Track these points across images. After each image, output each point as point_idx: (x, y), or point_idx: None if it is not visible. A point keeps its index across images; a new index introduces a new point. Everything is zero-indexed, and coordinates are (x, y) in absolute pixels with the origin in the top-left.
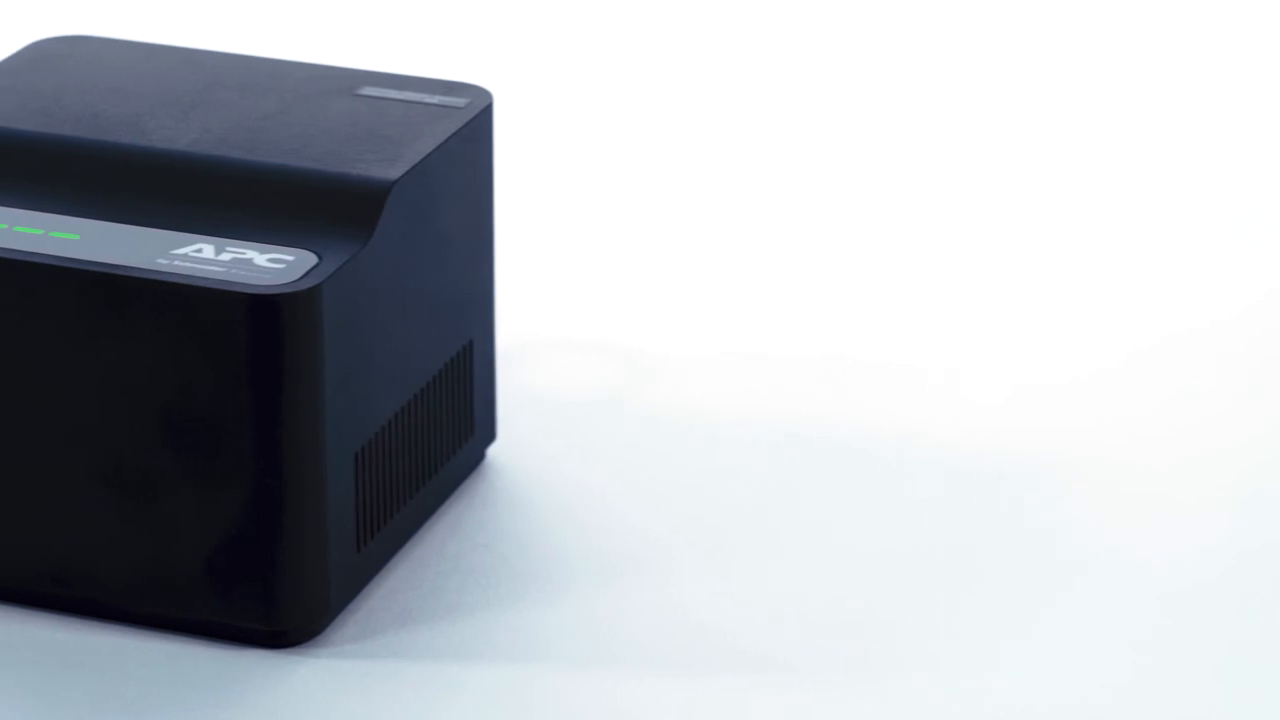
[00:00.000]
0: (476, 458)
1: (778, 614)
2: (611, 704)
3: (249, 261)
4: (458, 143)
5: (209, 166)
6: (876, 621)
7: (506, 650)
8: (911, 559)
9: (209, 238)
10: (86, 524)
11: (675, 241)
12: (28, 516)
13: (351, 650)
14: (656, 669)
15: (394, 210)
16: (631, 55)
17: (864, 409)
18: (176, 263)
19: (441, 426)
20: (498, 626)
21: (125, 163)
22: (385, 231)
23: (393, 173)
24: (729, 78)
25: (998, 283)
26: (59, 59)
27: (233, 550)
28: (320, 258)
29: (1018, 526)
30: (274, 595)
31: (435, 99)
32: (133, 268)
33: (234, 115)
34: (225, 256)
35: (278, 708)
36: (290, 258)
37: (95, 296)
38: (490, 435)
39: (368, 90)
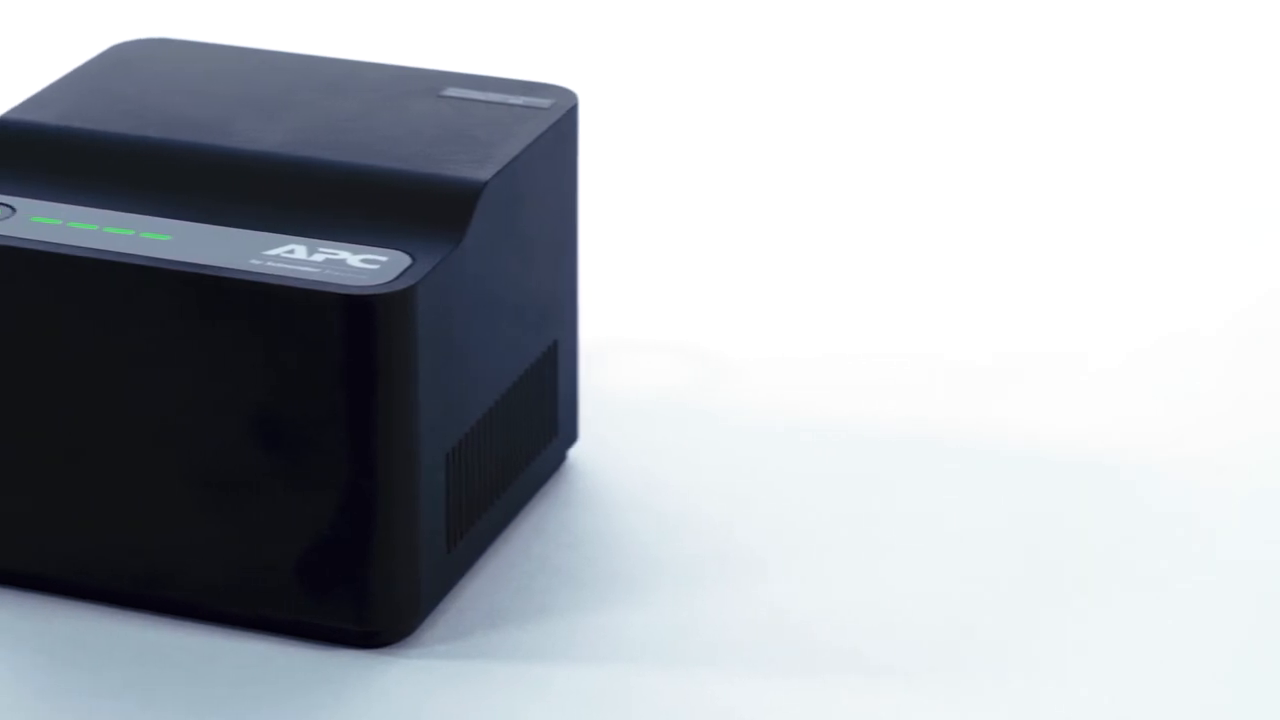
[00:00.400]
0: (558, 459)
1: (863, 614)
2: (701, 704)
3: (342, 262)
4: (545, 143)
5: (298, 168)
6: (967, 622)
7: (596, 650)
8: (999, 558)
9: (301, 238)
10: (179, 525)
11: (752, 241)
12: (121, 518)
13: (442, 650)
14: (746, 669)
15: (485, 211)
16: (702, 57)
17: (942, 406)
18: (270, 263)
19: (527, 427)
20: (586, 627)
21: (214, 164)
22: (476, 232)
23: (484, 173)
24: (801, 79)
25: (1084, 276)
26: (140, 62)
27: (325, 551)
28: (413, 258)
29: (1114, 527)
30: (366, 596)
31: (520, 100)
32: (227, 268)
33: (319, 116)
34: (318, 257)
35: (370, 708)
36: (383, 258)
37: (189, 297)
38: (572, 436)
39: (451, 91)
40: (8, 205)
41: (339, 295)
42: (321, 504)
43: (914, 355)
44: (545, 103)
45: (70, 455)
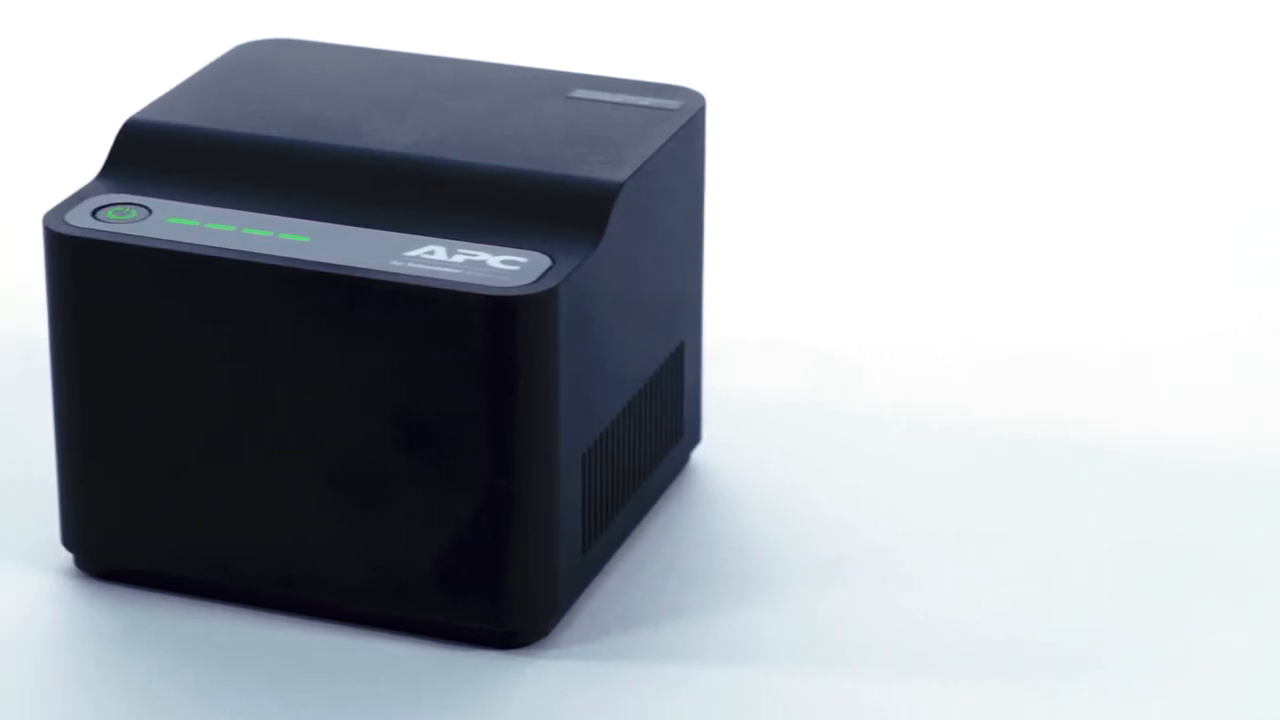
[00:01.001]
0: (683, 460)
1: (994, 614)
2: (835, 705)
3: (482, 263)
4: (676, 145)
5: (433, 169)
6: (1101, 625)
7: (731, 651)
8: (1133, 559)
9: (440, 240)
10: (318, 526)
11: (872, 240)
12: (260, 519)
13: (578, 651)
14: (879, 670)
15: (621, 212)
16: (824, 57)
17: (1071, 404)
18: (411, 265)
19: (656, 428)
20: (720, 627)
21: (348, 165)
22: (613, 233)
23: (620, 175)
24: (919, 80)
25: (1227, 267)
26: (264, 63)
27: (463, 552)
28: (553, 260)
29: (1257, 529)
30: (504, 596)
31: (648, 101)
32: (368, 269)
33: (449, 117)
34: (458, 258)
35: (507, 709)
36: (523, 259)
37: (329, 298)
38: (696, 437)
39: (579, 92)
40: (143, 206)
41: (483, 296)
42: (460, 505)
43: (1043, 352)
44: (674, 104)
45: (209, 457)
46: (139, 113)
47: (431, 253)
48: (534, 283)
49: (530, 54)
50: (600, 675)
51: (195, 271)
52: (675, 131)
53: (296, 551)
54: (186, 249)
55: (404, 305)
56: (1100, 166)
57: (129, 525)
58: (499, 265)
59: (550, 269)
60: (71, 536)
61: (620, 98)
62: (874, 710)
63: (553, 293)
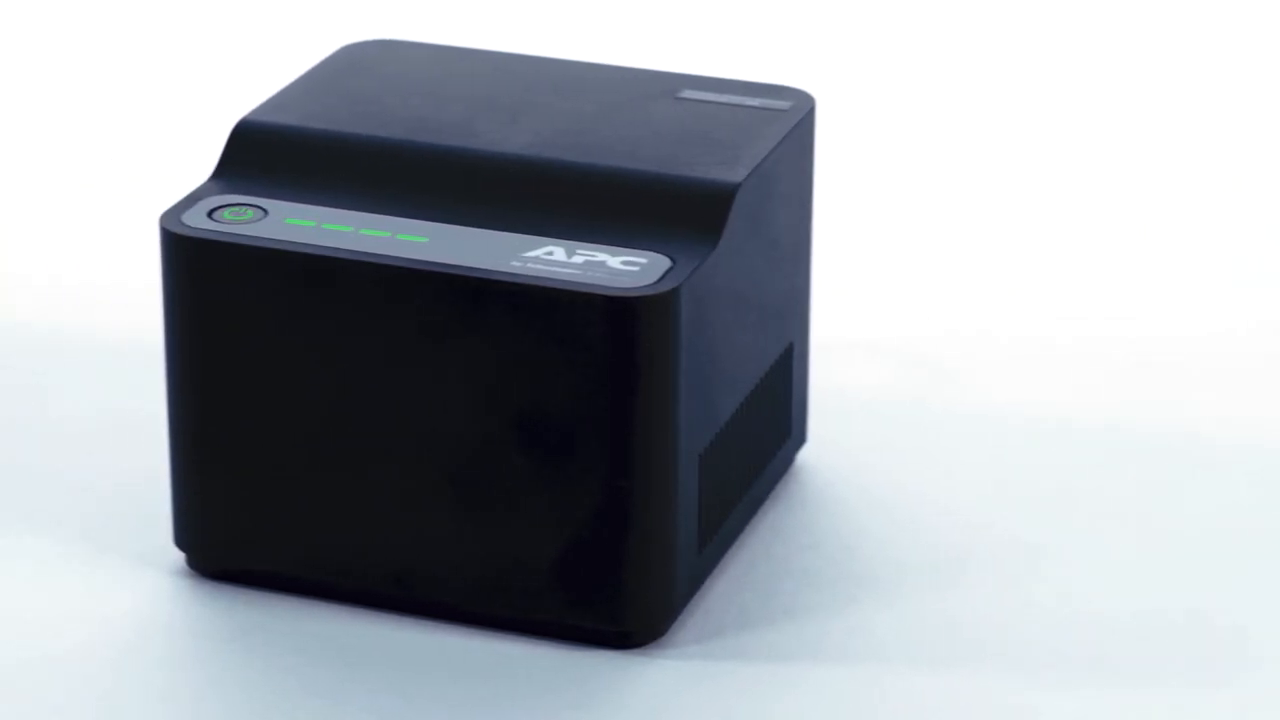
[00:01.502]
0: (788, 460)
1: (1108, 613)
2: (952, 703)
3: (602, 264)
4: (788, 145)
5: (547, 169)
6: (1214, 623)
7: (846, 650)
8: (1244, 556)
9: (558, 240)
10: (433, 526)
11: (975, 238)
12: (373, 518)
13: (695, 651)
14: (997, 668)
15: (738, 213)
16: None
17: (1173, 402)
18: (530, 265)
19: (766, 428)
20: (835, 627)
21: (461, 166)
22: (731, 234)
23: (736, 175)
24: (1025, 78)
25: None
26: (371, 63)
27: (581, 552)
28: (673, 260)
29: None
30: (622, 596)
31: (757, 102)
32: (488, 270)
33: (560, 118)
34: (578, 259)
35: (625, 709)
36: (643, 260)
37: (449, 298)
38: (802, 438)
39: (688, 93)
40: (259, 207)
41: (605, 297)
42: (579, 505)
43: (1150, 352)
44: (784, 105)
45: (324, 457)
46: (250, 114)
47: (550, 253)
48: (655, 283)
49: (631, 55)
50: (717, 675)
51: (314, 272)
52: (788, 132)
53: (412, 551)
54: (306, 249)
55: (525, 306)
56: (1239, 162)
57: (243, 526)
58: (619, 266)
59: (670, 270)
60: (185, 537)
61: (729, 98)
62: (991, 708)
63: (674, 293)
